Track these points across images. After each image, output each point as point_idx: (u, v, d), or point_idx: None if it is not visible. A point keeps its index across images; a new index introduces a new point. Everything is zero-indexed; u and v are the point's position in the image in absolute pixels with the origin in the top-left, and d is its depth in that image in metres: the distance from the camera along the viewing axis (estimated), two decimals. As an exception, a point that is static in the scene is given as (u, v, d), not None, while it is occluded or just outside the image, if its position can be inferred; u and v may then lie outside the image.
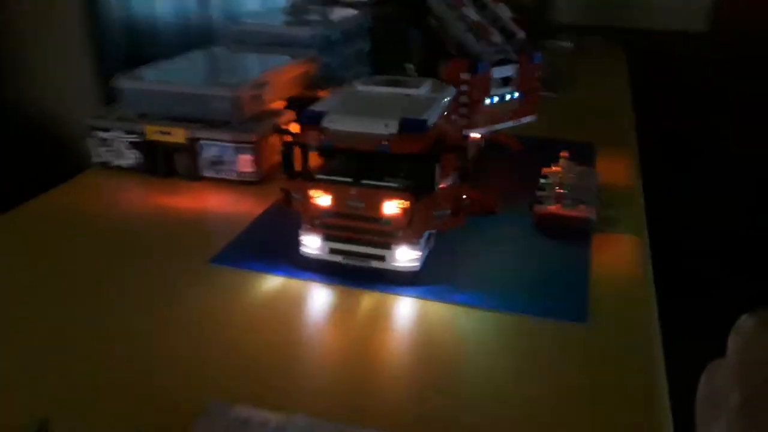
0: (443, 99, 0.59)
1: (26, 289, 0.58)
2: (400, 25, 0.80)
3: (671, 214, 1.37)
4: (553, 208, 0.65)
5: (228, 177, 0.78)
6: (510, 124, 0.73)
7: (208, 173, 0.79)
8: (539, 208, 0.66)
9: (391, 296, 0.56)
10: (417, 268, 0.57)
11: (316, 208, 0.57)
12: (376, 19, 1.08)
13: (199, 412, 0.41)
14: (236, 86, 0.78)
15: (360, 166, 0.55)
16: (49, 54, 2.01)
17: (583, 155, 0.80)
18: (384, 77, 0.64)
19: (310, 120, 0.55)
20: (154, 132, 0.78)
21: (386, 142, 0.52)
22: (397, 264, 0.57)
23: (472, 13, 0.70)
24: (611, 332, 0.50)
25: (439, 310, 0.54)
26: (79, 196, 0.78)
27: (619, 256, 0.61)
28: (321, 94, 0.94)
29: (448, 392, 0.45)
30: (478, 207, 0.66)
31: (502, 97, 0.70)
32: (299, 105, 0.69)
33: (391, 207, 0.54)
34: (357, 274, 0.58)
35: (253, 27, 1.07)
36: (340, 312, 0.55)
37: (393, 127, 0.52)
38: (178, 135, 0.77)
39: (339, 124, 0.54)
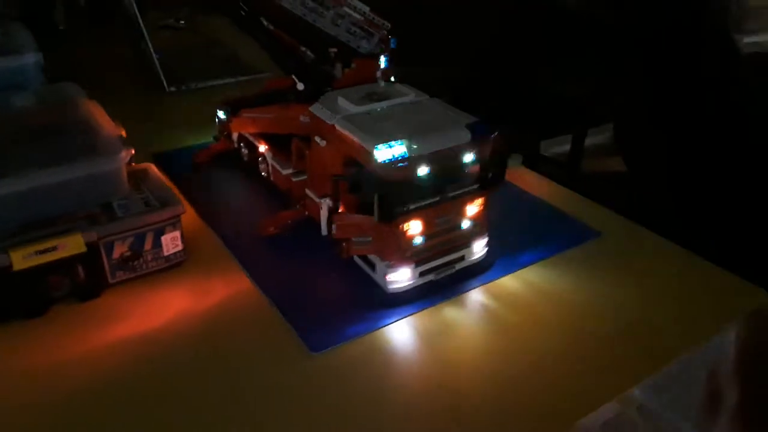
0: (439, 100, 0.62)
1: None
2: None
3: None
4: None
5: (151, 269, 0.59)
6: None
7: (117, 277, 0.58)
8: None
9: (488, 285, 0.60)
10: (486, 253, 0.62)
11: (409, 239, 0.55)
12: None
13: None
14: (113, 154, 0.57)
15: (439, 182, 0.55)
16: None
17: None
18: (357, 92, 0.61)
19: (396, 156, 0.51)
20: (26, 257, 0.51)
21: (474, 151, 0.54)
22: (475, 256, 0.61)
23: (353, 12, 0.70)
24: (619, 234, 0.68)
25: (527, 276, 0.61)
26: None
27: (537, 186, 0.79)
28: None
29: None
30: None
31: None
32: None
33: (473, 208, 0.58)
34: (444, 283, 0.59)
35: None
36: (471, 320, 0.57)
37: (467, 136, 0.55)
38: (72, 245, 0.53)
39: (422, 148, 0.52)
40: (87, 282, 0.56)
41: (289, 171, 0.69)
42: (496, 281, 0.61)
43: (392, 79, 0.73)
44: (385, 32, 0.72)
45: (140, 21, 1.07)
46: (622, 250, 0.66)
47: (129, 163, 0.67)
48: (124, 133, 0.76)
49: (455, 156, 0.54)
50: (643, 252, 0.66)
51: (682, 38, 0.86)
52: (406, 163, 0.51)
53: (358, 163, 0.54)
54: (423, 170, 0.52)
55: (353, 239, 0.55)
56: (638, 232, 0.69)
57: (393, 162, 0.51)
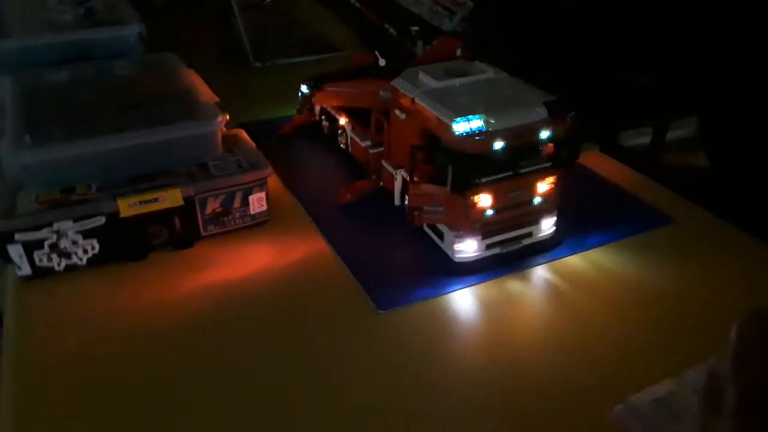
0: (518, 78, 0.63)
1: None
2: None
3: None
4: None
5: (238, 225, 0.64)
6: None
7: (208, 230, 0.63)
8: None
9: (554, 262, 0.61)
10: (554, 231, 0.63)
11: (479, 211, 0.57)
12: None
13: None
14: (211, 118, 0.62)
15: (512, 158, 0.57)
16: None
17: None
18: (438, 68, 0.63)
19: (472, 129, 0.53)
20: (131, 205, 0.57)
21: (551, 128, 0.56)
22: (543, 233, 0.62)
23: (437, -8, 0.72)
24: (694, 223, 0.68)
25: (594, 256, 0.62)
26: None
27: (610, 170, 0.79)
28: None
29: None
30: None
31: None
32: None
33: (544, 186, 0.59)
34: (510, 258, 0.61)
35: (37, 40, 0.81)
36: (534, 295, 0.59)
37: (543, 113, 0.56)
38: (171, 198, 0.59)
39: (499, 123, 0.54)
40: (182, 233, 0.61)
41: (367, 143, 0.73)
42: (563, 259, 0.62)
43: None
44: (468, 11, 0.74)
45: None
46: (695, 239, 0.66)
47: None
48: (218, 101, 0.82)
49: (530, 132, 0.56)
50: (716, 242, 0.65)
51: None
52: (482, 137, 0.54)
53: (435, 136, 0.57)
54: (498, 145, 0.54)
55: (425, 208, 0.58)
56: (713, 222, 0.68)
57: (469, 135, 0.53)
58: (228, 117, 0.65)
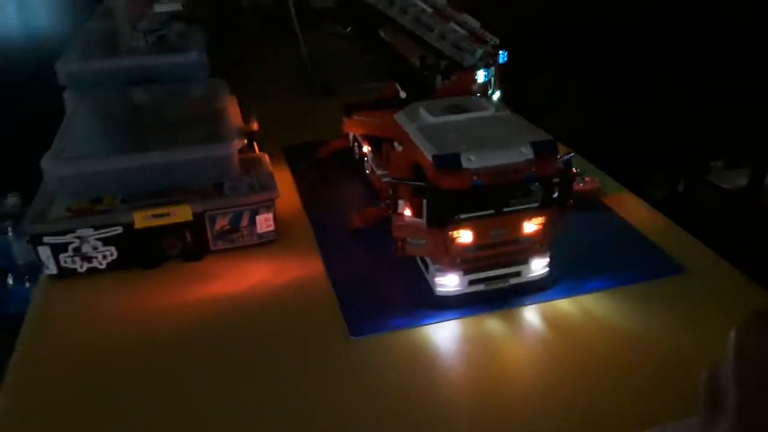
0: (519, 116, 0.63)
1: None
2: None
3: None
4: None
5: (246, 243, 0.69)
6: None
7: (217, 245, 0.68)
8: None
9: (541, 305, 0.60)
10: (547, 273, 0.62)
11: (458, 247, 0.57)
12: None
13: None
14: (228, 141, 0.68)
15: (498, 196, 0.57)
16: None
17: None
18: (440, 104, 0.64)
19: (451, 164, 0.54)
20: (145, 218, 0.64)
21: (534, 169, 0.56)
22: (533, 274, 0.61)
23: (458, 28, 0.74)
24: (708, 274, 0.64)
25: (586, 302, 0.61)
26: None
27: (637, 213, 0.76)
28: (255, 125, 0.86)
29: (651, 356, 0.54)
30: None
31: (494, 101, 0.77)
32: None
33: (531, 226, 0.59)
34: (494, 296, 0.61)
35: (107, 63, 0.90)
36: (513, 336, 0.58)
37: (529, 153, 0.56)
38: (181, 214, 0.65)
39: (478, 161, 0.55)
40: (193, 246, 0.67)
41: (381, 172, 0.75)
42: (551, 302, 0.61)
43: (498, 92, 0.76)
44: (491, 47, 0.74)
45: (297, 27, 1.21)
46: (702, 292, 0.62)
47: (252, 151, 0.78)
48: (256, 126, 0.88)
49: (513, 172, 0.56)
50: (727, 297, 0.61)
51: None
52: (460, 173, 0.54)
53: (422, 170, 0.58)
54: (477, 182, 0.55)
55: (408, 240, 0.59)
56: (729, 275, 0.63)
57: (447, 171, 0.54)
58: (245, 142, 0.70)
